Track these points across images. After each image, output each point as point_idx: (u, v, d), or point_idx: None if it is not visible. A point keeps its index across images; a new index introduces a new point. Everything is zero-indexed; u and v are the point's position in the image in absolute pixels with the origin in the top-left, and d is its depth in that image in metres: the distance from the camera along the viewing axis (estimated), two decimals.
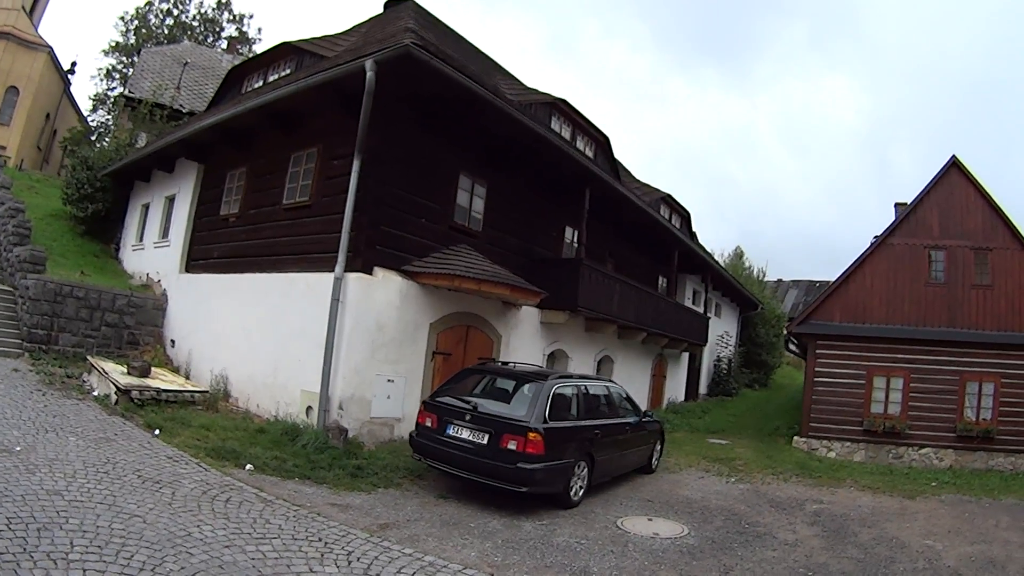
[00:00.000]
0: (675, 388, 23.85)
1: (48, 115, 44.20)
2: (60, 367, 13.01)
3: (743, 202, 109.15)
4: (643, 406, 19.85)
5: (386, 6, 17.56)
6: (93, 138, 38.35)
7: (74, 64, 47.47)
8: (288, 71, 14.76)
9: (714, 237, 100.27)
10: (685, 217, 26.42)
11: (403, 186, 11.43)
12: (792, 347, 20.53)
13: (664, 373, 22.53)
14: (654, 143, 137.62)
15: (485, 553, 6.69)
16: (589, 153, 18.23)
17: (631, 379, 19.30)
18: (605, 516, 8.74)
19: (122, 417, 10.10)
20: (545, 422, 8.31)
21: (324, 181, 11.85)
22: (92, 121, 46.40)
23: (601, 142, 18.74)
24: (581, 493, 9.03)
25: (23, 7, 41.57)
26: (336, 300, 10.24)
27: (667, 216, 24.34)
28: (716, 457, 14.30)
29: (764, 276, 46.58)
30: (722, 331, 29.52)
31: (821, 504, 10.86)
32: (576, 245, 15.09)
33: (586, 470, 9.12)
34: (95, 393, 11.50)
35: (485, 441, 8.27)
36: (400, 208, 11.39)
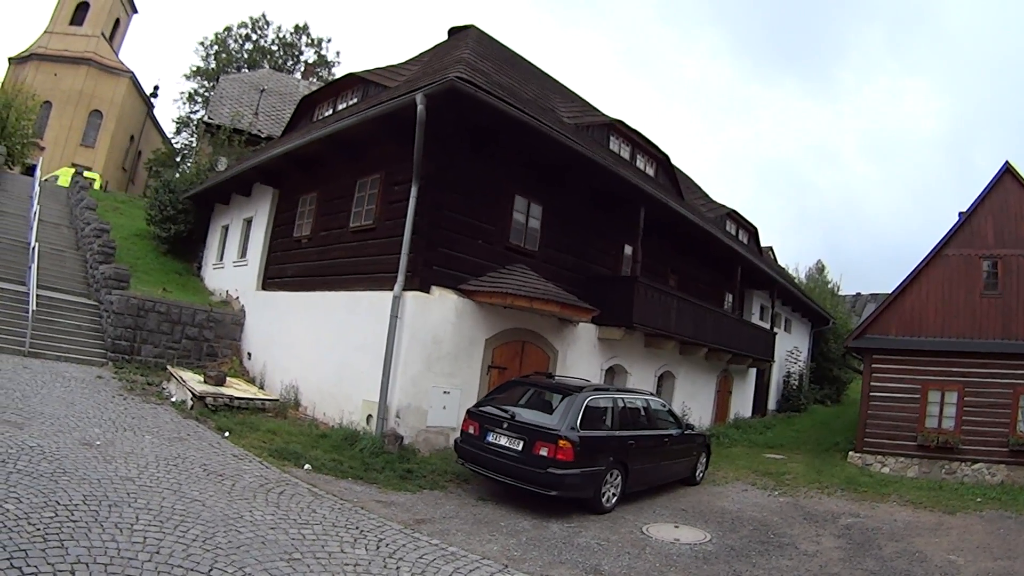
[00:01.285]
0: (742, 403, 23.66)
1: (132, 137, 47.01)
2: (141, 375, 14.09)
3: (827, 212, 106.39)
4: (707, 421, 20.03)
5: (450, 32, 18.25)
6: (178, 160, 40.32)
7: (156, 88, 50.29)
8: (355, 100, 15.58)
9: (798, 249, 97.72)
10: (752, 232, 26.28)
11: (459, 209, 11.97)
12: (856, 363, 20.20)
13: (730, 389, 22.41)
14: (735, 152, 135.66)
15: (507, 548, 7.16)
16: (649, 171, 18.50)
17: (694, 394, 19.42)
18: (634, 522, 9.06)
19: (196, 421, 11.01)
20: (575, 431, 8.74)
21: (386, 206, 12.51)
22: (176, 143, 48.74)
23: (661, 160, 18.98)
24: (614, 500, 9.40)
25: (103, 34, 44.32)
26: (395, 317, 10.90)
27: (733, 231, 24.31)
28: (766, 471, 14.29)
29: (839, 289, 45.82)
30: (792, 346, 29.04)
31: (857, 518, 10.85)
32: (638, 262, 15.24)
33: (619, 478, 9.47)
34: (173, 399, 12.46)
35: (520, 447, 8.80)
36: (456, 230, 11.92)
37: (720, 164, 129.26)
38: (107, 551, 5.20)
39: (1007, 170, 16.94)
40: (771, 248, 43.01)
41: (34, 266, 15.95)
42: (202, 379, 12.99)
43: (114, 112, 44.38)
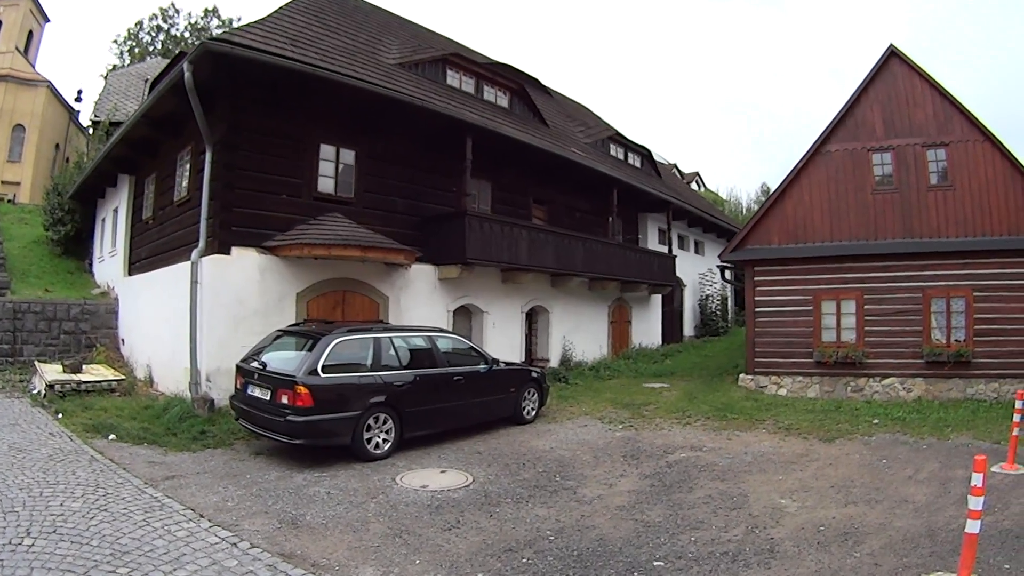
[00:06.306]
0: (647, 332, 23.45)
1: (57, 145, 46.65)
2: (19, 375, 14.60)
3: (784, 134, 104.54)
4: (599, 354, 19.98)
5: None
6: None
7: (80, 92, 49.57)
8: None
9: (759, 172, 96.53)
10: (645, 154, 26.37)
11: (257, 167, 12.10)
12: (727, 277, 20.06)
13: (628, 318, 22.31)
14: (683, 77, 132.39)
15: (225, 499, 7.23)
16: (502, 102, 18.66)
17: (579, 327, 19.49)
18: (398, 469, 8.66)
19: (43, 407, 11.58)
20: (315, 375, 8.61)
21: (196, 175, 12.71)
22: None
23: (515, 89, 19.17)
24: (387, 446, 9.18)
25: (16, 48, 43.86)
26: (195, 282, 11.32)
27: (621, 155, 24.45)
28: (629, 403, 13.77)
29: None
30: (705, 269, 29.15)
31: (697, 452, 9.86)
32: (468, 195, 15.17)
33: (391, 423, 9.25)
34: (35, 391, 12.96)
35: (268, 397, 8.80)
36: (256, 188, 12.06)
37: (663, 90, 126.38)
38: None
39: (892, 53, 15.58)
40: (697, 173, 43.43)
41: None
42: (61, 369, 13.44)
43: (36, 123, 44.01)
